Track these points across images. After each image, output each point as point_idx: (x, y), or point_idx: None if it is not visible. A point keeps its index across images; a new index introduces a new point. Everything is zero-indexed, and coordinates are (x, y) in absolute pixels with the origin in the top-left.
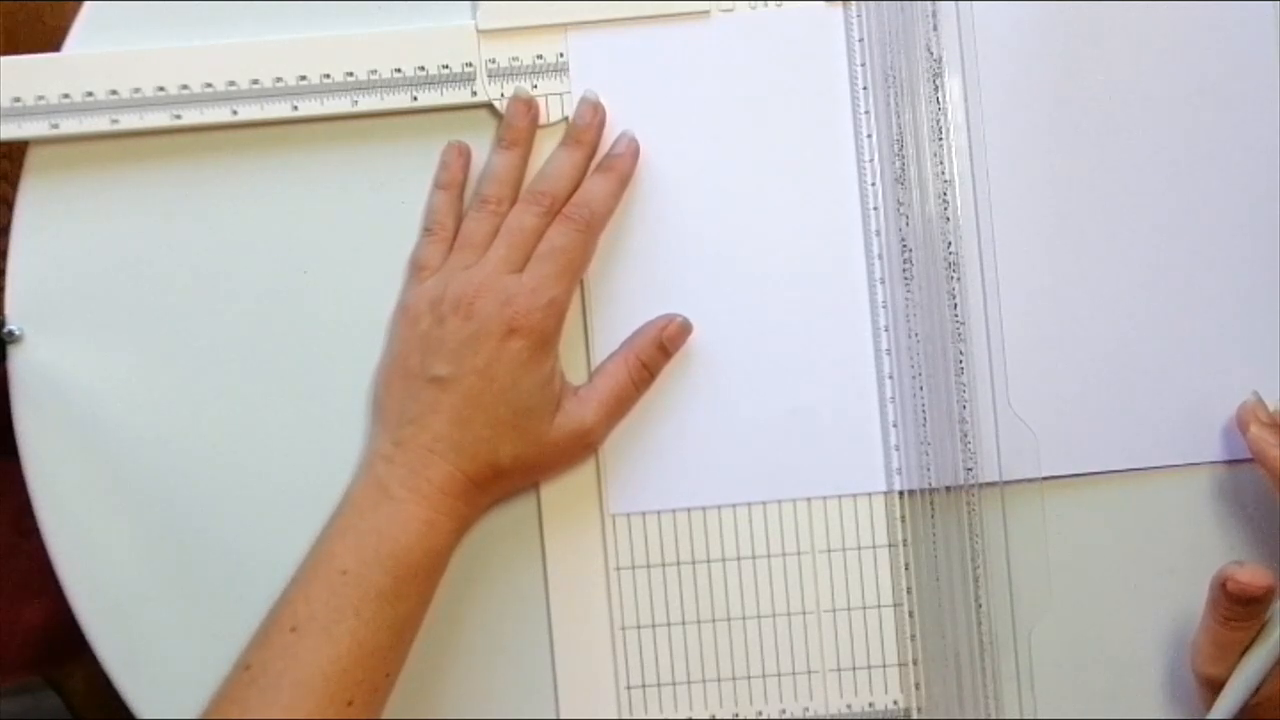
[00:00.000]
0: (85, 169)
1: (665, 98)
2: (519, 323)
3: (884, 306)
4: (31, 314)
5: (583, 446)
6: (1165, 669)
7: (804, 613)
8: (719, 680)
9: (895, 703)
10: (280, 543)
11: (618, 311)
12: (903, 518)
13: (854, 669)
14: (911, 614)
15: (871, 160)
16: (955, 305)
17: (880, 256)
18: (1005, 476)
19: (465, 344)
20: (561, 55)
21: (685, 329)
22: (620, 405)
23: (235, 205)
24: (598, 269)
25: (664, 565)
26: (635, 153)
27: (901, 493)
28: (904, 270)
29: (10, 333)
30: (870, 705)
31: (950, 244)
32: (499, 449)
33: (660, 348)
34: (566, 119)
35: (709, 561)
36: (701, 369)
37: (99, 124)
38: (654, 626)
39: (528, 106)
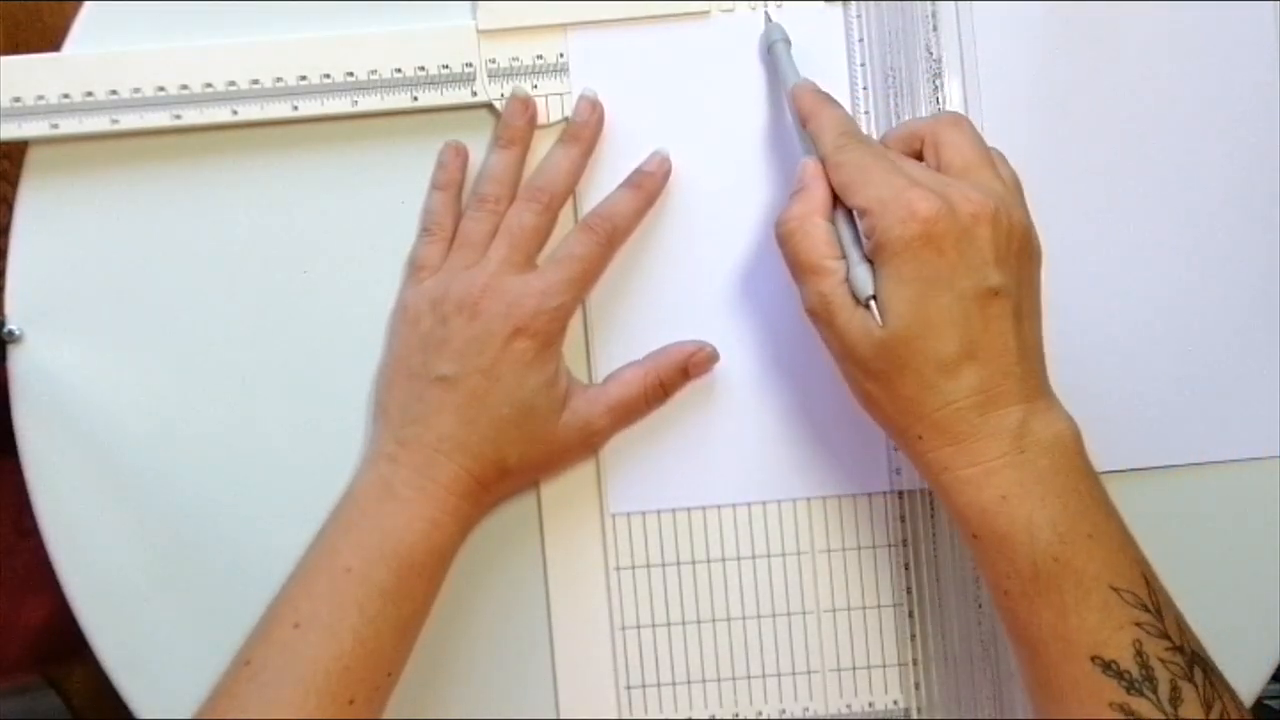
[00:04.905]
0: (85, 169)
1: (665, 98)
2: (525, 324)
3: None
4: (31, 314)
5: (588, 446)
6: None
7: (804, 613)
8: (719, 680)
9: (895, 703)
10: (280, 544)
11: (617, 311)
12: (903, 518)
13: (854, 669)
14: (911, 614)
15: None
16: None
17: None
18: None
19: (470, 343)
20: (561, 55)
21: (712, 359)
22: (629, 414)
23: (235, 205)
24: None
25: (664, 565)
26: (666, 172)
27: (901, 493)
28: None
29: (10, 333)
30: (870, 705)
31: None
32: (504, 449)
33: (683, 371)
34: (567, 119)
35: (709, 561)
36: None
37: (99, 124)
38: (654, 626)
39: (525, 105)
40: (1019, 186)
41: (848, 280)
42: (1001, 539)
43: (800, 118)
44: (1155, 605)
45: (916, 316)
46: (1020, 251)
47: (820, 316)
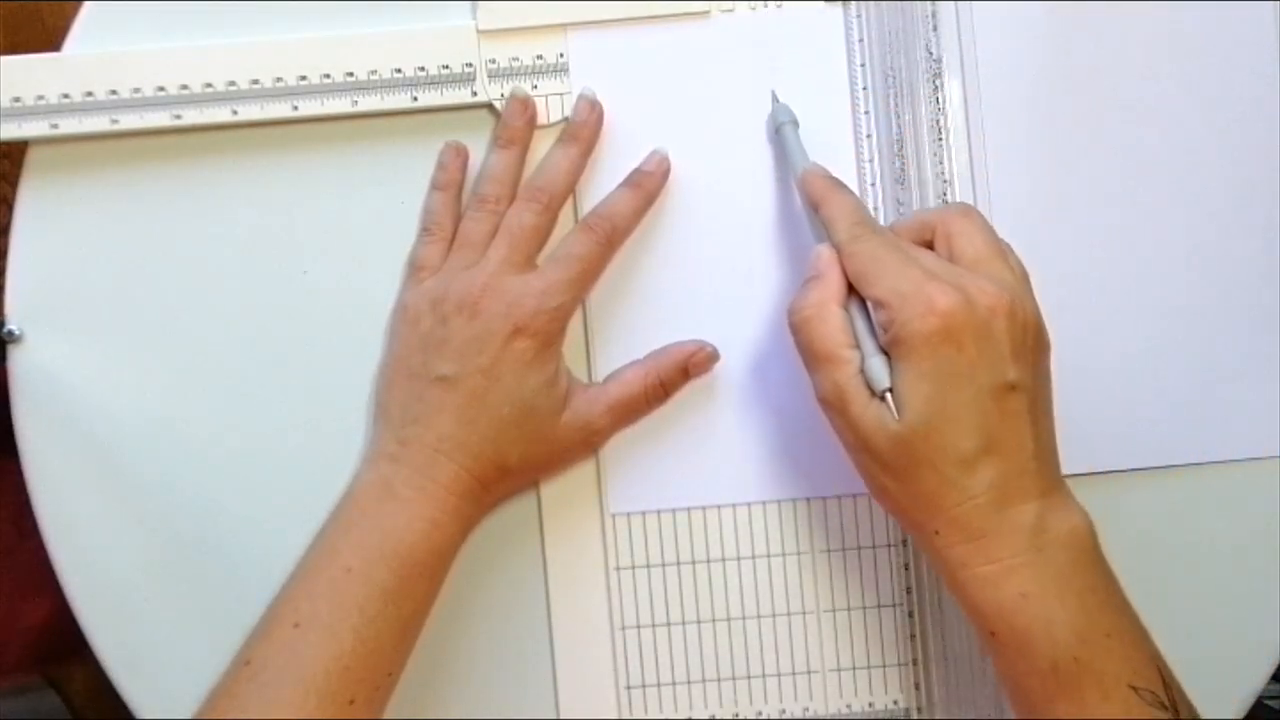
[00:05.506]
0: (85, 169)
1: (665, 98)
2: (525, 323)
3: None
4: (31, 314)
5: (588, 446)
6: None
7: (804, 613)
8: (719, 680)
9: (895, 703)
10: (280, 544)
11: (617, 311)
12: None
13: (854, 669)
14: (911, 614)
15: (871, 160)
16: None
17: None
18: None
19: (469, 343)
20: (561, 55)
21: (713, 359)
22: (629, 414)
23: (235, 205)
24: None
25: (664, 565)
26: (665, 172)
27: None
28: None
29: (10, 333)
30: (870, 705)
31: None
32: (505, 448)
33: (683, 371)
34: (567, 119)
35: (709, 561)
36: None
37: (99, 124)
38: (654, 626)
39: (524, 105)
40: (1027, 277)
41: (862, 371)
42: (1021, 638)
43: (811, 203)
44: (1171, 702)
45: (935, 411)
46: (1035, 345)
47: (834, 406)
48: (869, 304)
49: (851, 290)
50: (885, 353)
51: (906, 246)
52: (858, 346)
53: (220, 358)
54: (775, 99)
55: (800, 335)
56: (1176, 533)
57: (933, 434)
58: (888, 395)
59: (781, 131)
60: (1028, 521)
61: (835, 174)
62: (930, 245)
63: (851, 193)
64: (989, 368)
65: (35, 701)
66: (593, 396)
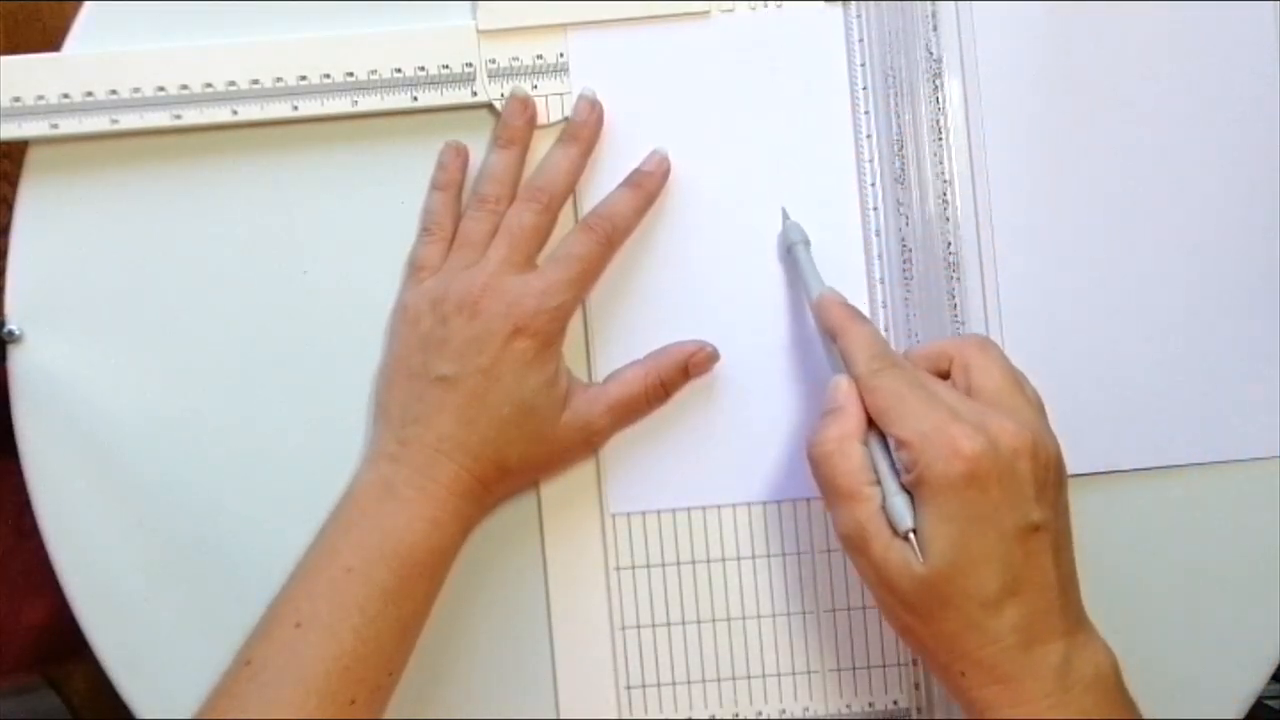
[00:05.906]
0: (85, 169)
1: (665, 98)
2: (525, 323)
3: (884, 306)
4: (31, 314)
5: (588, 446)
6: (1165, 669)
7: (804, 613)
8: (719, 680)
9: (895, 703)
10: (280, 544)
11: (617, 311)
12: None
13: (854, 669)
14: None
15: (871, 160)
16: (955, 305)
17: (880, 256)
18: None
19: (469, 343)
20: (561, 55)
21: (713, 359)
22: (629, 414)
23: (235, 205)
24: None
25: (664, 565)
26: (665, 172)
27: None
28: (904, 270)
29: (10, 333)
30: (870, 705)
31: (950, 244)
32: (505, 449)
33: (683, 371)
34: (567, 119)
35: (709, 561)
36: None
37: (99, 124)
38: (654, 626)
39: (524, 105)
40: (1043, 406)
41: (883, 508)
42: None
43: (828, 331)
44: None
45: (960, 554)
46: (1056, 483)
47: (855, 545)
48: (889, 440)
49: (870, 424)
50: (907, 490)
51: (925, 380)
52: (878, 482)
53: (220, 358)
54: (785, 216)
55: (821, 469)
56: (1176, 533)
57: (957, 576)
58: (911, 536)
59: (793, 252)
60: (1054, 662)
61: (835, 174)
62: (946, 374)
63: (868, 321)
64: (1013, 510)
65: (35, 701)
66: (593, 396)
